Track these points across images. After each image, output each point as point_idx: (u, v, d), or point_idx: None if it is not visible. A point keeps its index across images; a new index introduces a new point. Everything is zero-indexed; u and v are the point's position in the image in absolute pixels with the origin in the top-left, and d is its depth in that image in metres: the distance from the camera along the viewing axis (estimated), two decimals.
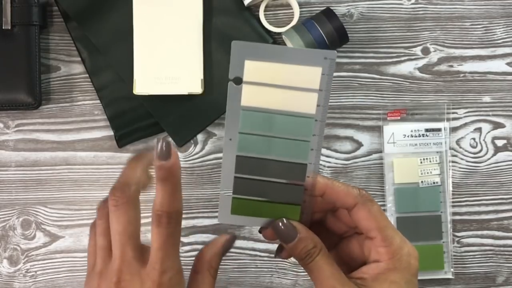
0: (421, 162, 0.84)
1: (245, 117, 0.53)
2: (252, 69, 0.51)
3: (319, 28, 0.80)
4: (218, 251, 0.57)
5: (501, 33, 0.85)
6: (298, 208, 0.57)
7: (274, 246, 0.84)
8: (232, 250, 0.85)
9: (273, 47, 0.52)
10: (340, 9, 0.85)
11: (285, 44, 0.85)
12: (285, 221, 0.54)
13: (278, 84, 0.52)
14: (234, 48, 0.50)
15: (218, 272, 0.85)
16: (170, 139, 0.52)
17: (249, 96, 0.52)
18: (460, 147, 0.85)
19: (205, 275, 0.57)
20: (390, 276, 0.51)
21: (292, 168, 0.55)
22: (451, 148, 0.85)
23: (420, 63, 0.85)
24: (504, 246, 0.85)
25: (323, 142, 0.85)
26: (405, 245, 0.53)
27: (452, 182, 0.84)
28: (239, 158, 0.55)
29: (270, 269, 0.84)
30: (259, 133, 0.54)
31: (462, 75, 0.85)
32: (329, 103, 0.85)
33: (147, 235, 0.54)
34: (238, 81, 0.52)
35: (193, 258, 0.81)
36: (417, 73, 0.85)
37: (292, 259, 0.84)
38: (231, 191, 0.56)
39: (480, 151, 0.85)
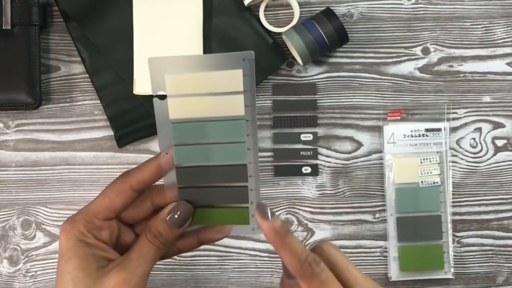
0: (421, 162, 0.84)
1: (176, 130, 0.53)
2: (174, 82, 0.51)
3: (319, 28, 0.80)
4: (161, 216, 0.55)
5: (501, 33, 0.85)
6: (246, 210, 0.57)
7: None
8: (232, 250, 0.85)
9: (189, 57, 0.52)
10: (340, 9, 0.85)
11: (285, 44, 0.85)
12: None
13: (202, 92, 0.52)
14: (151, 65, 0.50)
15: (218, 272, 0.85)
16: None
17: (176, 109, 0.52)
18: (460, 147, 0.85)
19: (140, 238, 0.55)
20: None
21: (233, 170, 0.55)
22: (451, 148, 0.85)
23: (420, 63, 0.85)
24: (504, 246, 0.85)
25: (323, 143, 0.85)
26: None
27: (452, 182, 0.84)
28: (179, 170, 0.55)
29: (270, 269, 0.84)
30: (194, 142, 0.54)
31: (462, 75, 0.85)
32: (330, 103, 0.85)
33: None
34: (162, 96, 0.52)
35: (189, 257, 0.80)
36: (417, 73, 0.85)
37: None
38: None
39: (480, 151, 0.85)
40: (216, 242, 0.77)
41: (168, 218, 0.55)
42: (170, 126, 0.53)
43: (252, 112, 0.53)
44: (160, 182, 0.56)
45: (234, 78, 0.52)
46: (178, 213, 0.55)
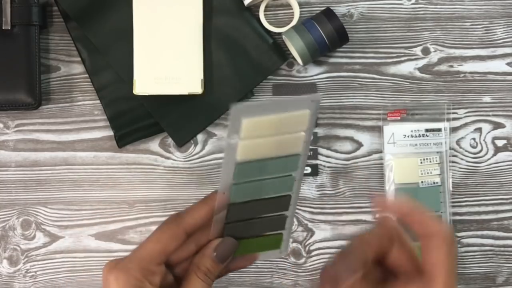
0: (421, 162, 0.84)
1: (239, 171, 0.54)
2: (249, 126, 0.52)
3: (319, 28, 0.80)
4: (207, 253, 0.56)
5: (501, 33, 0.85)
6: (280, 236, 0.58)
7: None
8: None
9: (266, 103, 0.54)
10: (340, 9, 0.85)
11: (285, 45, 0.85)
12: None
13: (271, 134, 0.53)
14: (232, 111, 0.51)
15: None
16: None
17: (245, 151, 0.53)
18: (460, 147, 0.85)
19: (190, 277, 0.56)
20: None
21: (278, 201, 0.56)
22: (451, 148, 0.85)
23: (420, 63, 0.85)
24: (504, 246, 0.85)
25: (323, 143, 0.85)
26: None
27: (452, 182, 0.84)
28: (231, 207, 0.55)
29: (270, 269, 0.84)
30: (252, 180, 0.55)
31: (462, 75, 0.85)
32: (330, 103, 0.85)
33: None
34: (235, 138, 0.53)
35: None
36: (417, 73, 0.85)
37: (292, 259, 0.84)
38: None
39: (480, 151, 0.85)
40: None
41: (214, 255, 0.55)
42: (234, 167, 0.53)
43: (307, 147, 0.54)
44: None
45: (302, 118, 0.53)
46: (223, 249, 0.56)
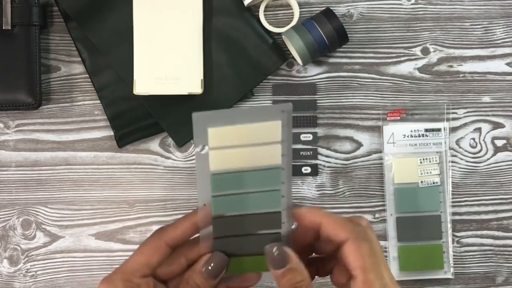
0: (420, 162, 0.84)
1: (215, 181, 0.54)
2: (216, 135, 0.52)
3: (319, 28, 0.80)
4: (196, 268, 0.56)
5: (500, 33, 0.86)
6: None
7: None
8: None
9: (231, 111, 0.54)
10: (340, 9, 0.85)
11: (285, 45, 0.85)
12: (278, 247, 0.55)
13: (242, 144, 0.53)
14: (195, 119, 0.51)
15: None
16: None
17: (217, 161, 0.53)
18: (460, 147, 0.85)
19: None
20: None
21: (268, 218, 0.56)
22: (450, 148, 0.85)
23: (420, 63, 0.85)
24: (503, 246, 0.85)
25: (323, 143, 0.85)
26: None
27: (452, 182, 0.84)
28: (215, 221, 0.55)
29: None
30: (231, 193, 0.55)
31: (461, 75, 0.85)
32: (329, 103, 0.85)
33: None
34: (204, 149, 0.53)
35: None
36: (417, 73, 0.85)
37: None
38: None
39: (480, 151, 0.85)
40: None
41: (203, 270, 0.56)
42: (210, 178, 0.53)
43: (288, 160, 0.54)
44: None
45: (273, 129, 0.52)
46: (213, 264, 0.56)
